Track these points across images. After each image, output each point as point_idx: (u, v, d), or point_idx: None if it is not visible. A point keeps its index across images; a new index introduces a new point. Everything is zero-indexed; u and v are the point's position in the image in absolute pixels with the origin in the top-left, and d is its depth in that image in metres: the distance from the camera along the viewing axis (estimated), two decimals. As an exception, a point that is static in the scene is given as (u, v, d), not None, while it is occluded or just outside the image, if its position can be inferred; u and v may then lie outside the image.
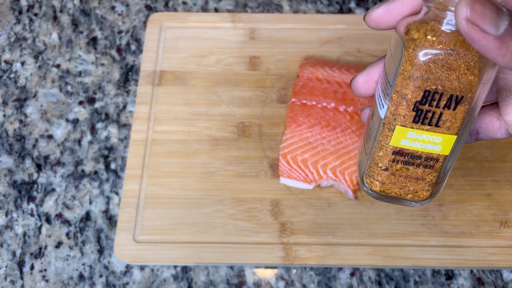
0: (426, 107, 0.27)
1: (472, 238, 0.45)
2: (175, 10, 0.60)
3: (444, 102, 0.26)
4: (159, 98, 0.53)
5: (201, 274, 0.46)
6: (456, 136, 0.27)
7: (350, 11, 0.60)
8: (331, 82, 0.50)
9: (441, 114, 0.27)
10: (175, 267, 0.46)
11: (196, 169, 0.49)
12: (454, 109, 0.26)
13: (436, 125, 0.27)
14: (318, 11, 0.60)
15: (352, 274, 0.45)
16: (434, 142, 0.28)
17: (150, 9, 0.60)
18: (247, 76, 0.54)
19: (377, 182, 0.30)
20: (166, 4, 0.60)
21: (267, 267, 0.46)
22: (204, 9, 0.60)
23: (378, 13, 0.27)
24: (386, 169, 0.29)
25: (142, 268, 0.46)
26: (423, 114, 0.27)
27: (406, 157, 0.28)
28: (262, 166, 0.49)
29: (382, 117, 0.28)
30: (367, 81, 0.30)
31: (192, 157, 0.50)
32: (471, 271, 0.46)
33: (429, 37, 0.25)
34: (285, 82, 0.54)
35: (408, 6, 0.27)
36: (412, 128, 0.28)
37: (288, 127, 0.48)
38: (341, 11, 0.60)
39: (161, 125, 0.51)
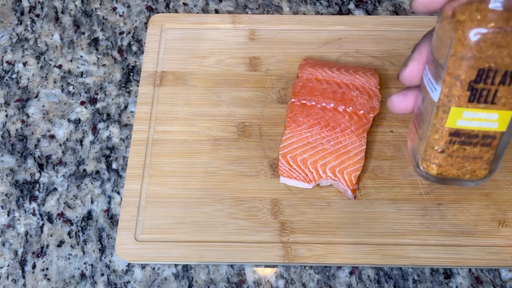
0: (481, 85, 0.27)
1: (471, 237, 0.46)
2: (176, 11, 0.61)
3: (499, 79, 0.26)
4: (160, 99, 0.53)
5: (201, 272, 0.46)
6: None
7: (349, 12, 0.60)
8: (330, 83, 0.51)
9: (496, 91, 0.27)
10: (176, 266, 0.46)
11: (196, 169, 0.49)
12: (510, 84, 0.27)
13: (492, 102, 0.27)
14: (317, 12, 0.60)
15: (351, 273, 0.46)
16: (491, 119, 0.28)
17: (151, 10, 0.61)
18: (247, 76, 0.55)
19: (434, 165, 0.30)
20: (167, 6, 0.61)
21: (267, 266, 0.46)
22: (205, 10, 0.61)
23: None
24: (442, 151, 0.29)
25: (143, 266, 0.46)
26: (478, 93, 0.27)
27: (462, 137, 0.29)
28: (262, 166, 0.49)
29: (436, 100, 0.28)
30: (401, 101, 0.32)
31: (193, 157, 0.50)
32: (470, 270, 0.46)
33: (477, 17, 0.26)
34: (285, 82, 0.54)
35: None
36: (468, 107, 0.28)
37: (288, 127, 0.49)
38: (340, 12, 0.60)
39: (162, 125, 0.52)
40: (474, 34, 0.26)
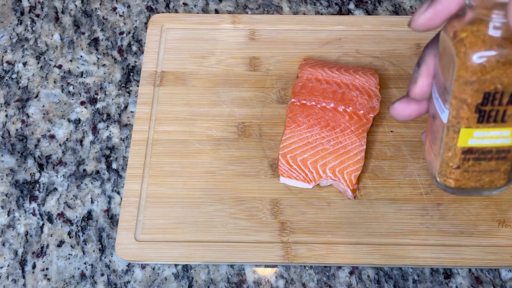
0: (488, 107, 0.26)
1: (471, 237, 0.46)
2: (176, 11, 0.61)
3: (507, 99, 0.26)
4: (160, 99, 0.53)
5: (201, 272, 0.46)
6: None
7: (349, 12, 0.60)
8: (330, 83, 0.51)
9: (505, 110, 0.26)
10: (176, 265, 0.46)
11: (196, 169, 0.49)
12: None
13: (502, 121, 0.27)
14: (317, 12, 0.60)
15: (351, 273, 0.46)
16: (503, 136, 0.27)
17: (151, 10, 0.61)
18: (247, 76, 0.55)
19: (451, 180, 0.30)
20: (167, 6, 0.61)
21: (267, 266, 0.46)
22: (205, 10, 0.61)
23: (427, 17, 0.27)
24: (458, 167, 0.29)
25: (143, 266, 0.46)
26: (487, 114, 0.26)
27: (476, 154, 0.28)
28: (262, 166, 0.49)
29: (445, 121, 0.28)
30: (404, 109, 0.31)
31: (193, 157, 0.50)
32: (470, 270, 0.46)
33: (477, 39, 0.25)
34: (285, 82, 0.54)
35: (456, 2, 0.26)
36: (478, 127, 0.27)
37: (288, 127, 0.49)
38: (340, 12, 0.60)
39: (162, 125, 0.52)
40: (476, 57, 0.25)
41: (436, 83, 0.29)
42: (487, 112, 0.27)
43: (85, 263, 0.46)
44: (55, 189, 0.50)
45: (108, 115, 0.54)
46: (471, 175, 0.29)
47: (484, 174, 0.29)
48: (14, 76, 0.56)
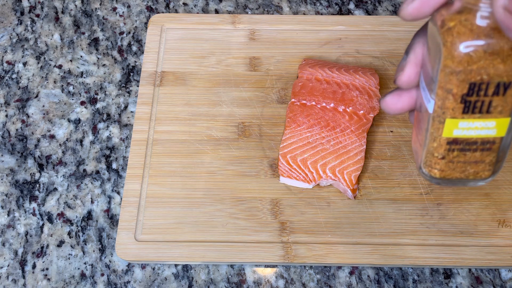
0: (474, 97, 0.26)
1: (471, 237, 0.46)
2: (176, 11, 0.61)
3: (492, 90, 0.26)
4: (160, 99, 0.53)
5: (201, 272, 0.46)
6: (510, 118, 0.27)
7: (349, 12, 0.60)
8: (330, 83, 0.51)
9: (490, 101, 0.26)
10: (176, 265, 0.46)
11: (196, 169, 0.49)
12: (504, 94, 0.26)
13: (488, 112, 0.27)
14: (317, 12, 0.60)
15: (351, 273, 0.46)
16: (488, 127, 0.27)
17: (151, 10, 0.61)
18: (247, 76, 0.55)
19: (436, 170, 0.30)
20: (167, 6, 0.61)
21: (267, 266, 0.46)
22: (205, 10, 0.61)
23: (415, 6, 0.27)
24: (443, 158, 0.29)
25: (143, 266, 0.46)
26: (472, 105, 0.26)
27: (461, 144, 0.28)
28: (262, 166, 0.49)
29: (431, 111, 0.28)
30: (396, 103, 0.31)
31: (193, 157, 0.50)
32: (470, 270, 0.46)
33: (465, 29, 0.25)
34: (285, 82, 0.54)
35: None
36: (463, 118, 0.27)
37: (288, 127, 0.49)
38: (340, 12, 0.60)
39: (162, 125, 0.52)
40: (463, 47, 0.25)
41: (424, 73, 0.28)
42: (472, 102, 0.26)
43: (85, 263, 0.46)
44: (55, 189, 0.50)
45: (108, 115, 0.54)
46: (456, 165, 0.29)
47: (469, 165, 0.29)
48: (14, 76, 0.56)
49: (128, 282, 0.46)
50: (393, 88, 0.54)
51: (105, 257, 0.47)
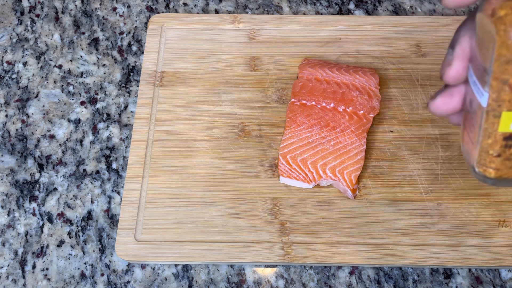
0: None
1: (471, 237, 0.46)
2: (176, 11, 0.61)
3: None
4: (160, 99, 0.53)
5: (201, 272, 0.46)
6: None
7: (349, 12, 0.60)
8: (330, 83, 0.51)
9: None
10: (176, 265, 0.46)
11: (196, 169, 0.49)
12: None
13: None
14: (317, 12, 0.60)
15: (351, 273, 0.46)
16: None
17: (151, 10, 0.61)
18: (247, 76, 0.55)
19: (491, 170, 0.28)
20: (167, 6, 0.61)
21: (267, 266, 0.46)
22: (205, 10, 0.61)
23: None
24: (498, 155, 0.27)
25: (143, 266, 0.46)
26: None
27: None
28: (262, 166, 0.49)
29: (484, 105, 0.26)
30: (448, 103, 0.29)
31: (193, 157, 0.50)
32: (470, 270, 0.46)
33: None
34: (285, 82, 0.54)
35: None
36: None
37: (288, 127, 0.49)
38: (340, 12, 0.60)
39: (162, 125, 0.52)
40: None
41: (473, 66, 0.27)
42: None
43: (85, 263, 0.46)
44: (55, 189, 0.50)
45: (108, 115, 0.54)
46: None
47: None
48: (14, 76, 0.56)
49: (128, 282, 0.46)
50: (392, 88, 0.54)
51: (105, 257, 0.47)
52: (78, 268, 0.46)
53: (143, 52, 0.57)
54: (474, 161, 0.28)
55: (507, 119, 0.26)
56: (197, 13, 0.60)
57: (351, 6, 0.61)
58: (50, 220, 0.48)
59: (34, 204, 0.49)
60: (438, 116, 0.30)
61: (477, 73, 0.27)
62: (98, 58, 0.57)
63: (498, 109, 0.26)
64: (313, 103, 0.50)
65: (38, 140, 0.52)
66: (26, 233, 0.48)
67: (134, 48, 0.58)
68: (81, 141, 0.52)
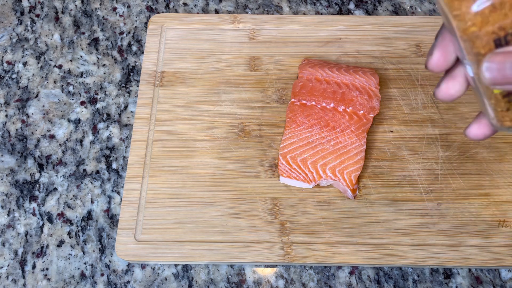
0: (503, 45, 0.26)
1: (470, 237, 0.46)
2: (176, 11, 0.61)
3: None
4: (160, 99, 0.53)
5: (201, 272, 0.46)
6: None
7: (349, 12, 0.60)
8: (330, 83, 0.51)
9: None
10: (176, 265, 0.46)
11: (196, 169, 0.49)
12: None
13: None
14: (317, 12, 0.60)
15: (351, 273, 0.46)
16: None
17: (151, 10, 0.61)
18: (247, 76, 0.55)
19: (508, 122, 0.30)
20: (167, 6, 0.61)
21: (267, 266, 0.46)
22: (205, 10, 0.61)
23: None
24: (507, 110, 0.30)
25: (143, 266, 0.46)
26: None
27: None
28: (262, 166, 0.49)
29: (473, 75, 0.29)
30: (450, 87, 0.31)
31: (193, 157, 0.50)
32: (470, 270, 0.46)
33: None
34: (284, 82, 0.54)
35: None
36: None
37: (288, 127, 0.49)
38: (340, 12, 0.60)
39: (162, 125, 0.52)
40: (476, 6, 0.25)
41: (454, 45, 0.29)
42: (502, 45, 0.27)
43: (85, 263, 0.46)
44: (55, 189, 0.50)
45: (108, 115, 0.54)
46: None
47: None
48: (14, 76, 0.56)
49: (128, 282, 0.46)
50: (392, 88, 0.54)
51: (105, 257, 0.47)
52: (78, 268, 0.46)
53: (143, 52, 0.57)
54: (493, 120, 0.31)
55: None
56: (197, 13, 0.60)
57: (351, 6, 0.61)
58: (50, 220, 0.48)
59: (34, 204, 0.49)
60: (448, 100, 0.32)
61: (457, 51, 0.29)
62: (98, 58, 0.57)
63: None
64: (313, 103, 0.50)
65: (38, 140, 0.52)
66: (26, 233, 0.48)
67: (134, 48, 0.58)
68: (81, 141, 0.52)
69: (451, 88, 0.31)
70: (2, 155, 0.52)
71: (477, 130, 0.33)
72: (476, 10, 0.25)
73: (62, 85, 0.56)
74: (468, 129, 0.33)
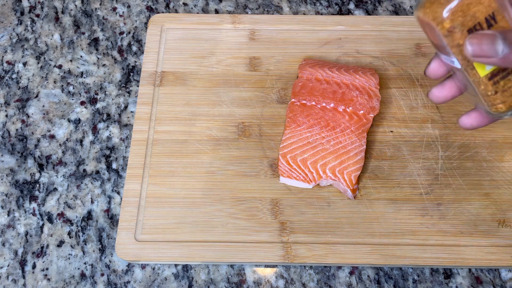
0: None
1: (470, 237, 0.46)
2: (176, 11, 0.61)
3: (486, 25, 0.31)
4: (160, 99, 0.53)
5: (201, 272, 0.46)
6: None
7: (349, 12, 0.60)
8: (330, 83, 0.51)
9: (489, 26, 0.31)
10: (176, 265, 0.46)
11: (196, 169, 0.49)
12: (496, 22, 0.31)
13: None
14: (317, 12, 0.60)
15: (351, 273, 0.46)
16: None
17: (151, 10, 0.61)
18: (247, 76, 0.55)
19: (500, 105, 0.33)
20: (167, 6, 0.61)
21: (267, 266, 0.46)
22: (205, 10, 0.61)
23: None
24: (496, 93, 0.33)
25: (143, 266, 0.46)
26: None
27: (499, 74, 0.32)
28: (262, 166, 0.49)
29: (460, 67, 0.33)
30: (441, 91, 0.37)
31: (193, 157, 0.50)
32: (470, 270, 0.46)
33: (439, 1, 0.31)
34: (284, 82, 0.54)
35: None
36: None
37: (288, 127, 0.49)
38: (340, 12, 0.60)
39: (162, 125, 0.52)
40: (445, 12, 0.31)
41: (440, 50, 0.34)
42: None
43: (85, 263, 0.46)
44: (55, 189, 0.50)
45: (108, 115, 0.54)
46: (510, 91, 0.33)
47: None
48: (14, 76, 0.56)
49: (128, 282, 0.46)
50: (392, 88, 0.54)
51: (105, 257, 0.47)
52: (78, 268, 0.46)
53: (143, 52, 0.57)
54: (485, 106, 0.34)
55: (478, 66, 0.32)
56: (197, 13, 0.60)
57: (351, 6, 0.61)
58: (50, 220, 0.48)
59: (34, 204, 0.49)
60: (438, 102, 0.38)
61: (443, 52, 0.34)
62: (98, 58, 0.57)
63: (469, 63, 0.32)
64: (313, 103, 0.50)
65: (38, 140, 0.52)
66: (26, 233, 0.48)
67: (134, 48, 0.58)
68: (81, 141, 0.52)
69: (440, 92, 0.37)
70: (2, 155, 0.52)
71: (468, 119, 0.37)
72: (446, 15, 0.31)
73: (62, 85, 0.56)
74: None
